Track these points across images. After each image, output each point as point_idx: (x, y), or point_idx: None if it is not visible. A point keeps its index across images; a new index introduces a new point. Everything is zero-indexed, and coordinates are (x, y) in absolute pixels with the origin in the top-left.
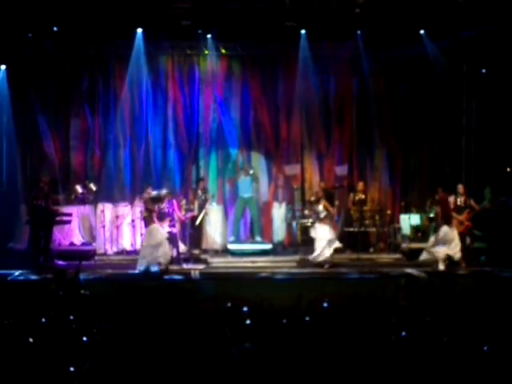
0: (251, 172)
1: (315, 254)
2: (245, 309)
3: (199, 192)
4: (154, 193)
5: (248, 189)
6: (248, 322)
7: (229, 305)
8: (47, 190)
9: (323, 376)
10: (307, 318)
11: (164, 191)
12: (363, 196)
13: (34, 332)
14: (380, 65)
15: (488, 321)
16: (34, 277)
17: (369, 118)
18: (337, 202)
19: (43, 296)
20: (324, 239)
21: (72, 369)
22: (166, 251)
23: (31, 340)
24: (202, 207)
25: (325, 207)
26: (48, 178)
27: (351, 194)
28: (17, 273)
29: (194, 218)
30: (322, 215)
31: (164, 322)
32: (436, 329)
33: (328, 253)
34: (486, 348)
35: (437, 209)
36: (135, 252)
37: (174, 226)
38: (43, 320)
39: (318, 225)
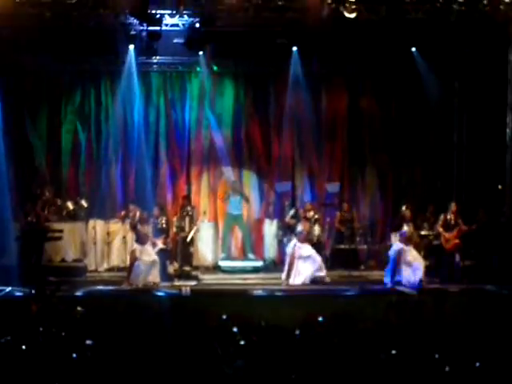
0: (241, 191)
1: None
2: (235, 329)
3: (184, 210)
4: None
5: (237, 207)
6: (241, 341)
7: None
8: (45, 204)
9: None
10: (297, 332)
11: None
12: (348, 216)
13: (21, 348)
14: (371, 82)
15: (479, 337)
16: (23, 294)
17: (360, 135)
18: (328, 220)
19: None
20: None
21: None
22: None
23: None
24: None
25: (304, 227)
26: (51, 193)
27: (338, 213)
28: (7, 289)
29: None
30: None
31: (154, 338)
32: (427, 346)
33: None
34: (477, 364)
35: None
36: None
37: (167, 243)
38: (31, 336)
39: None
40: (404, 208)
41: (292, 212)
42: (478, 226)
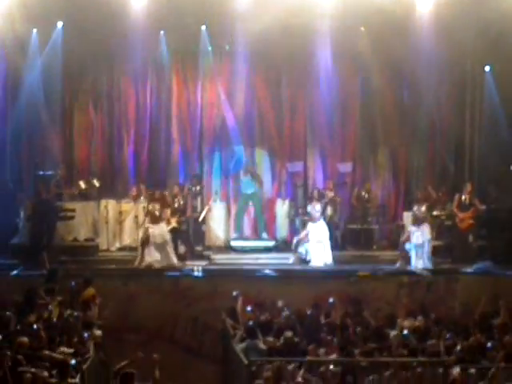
0: (253, 171)
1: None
2: (248, 308)
3: (193, 189)
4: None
5: (250, 186)
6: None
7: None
8: (57, 184)
9: None
10: (308, 312)
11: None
12: (367, 195)
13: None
14: (384, 62)
15: (491, 317)
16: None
17: (372, 115)
18: (339, 200)
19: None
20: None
21: (73, 362)
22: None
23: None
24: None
25: (316, 207)
26: (63, 173)
27: (355, 190)
28: (19, 268)
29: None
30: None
31: (166, 318)
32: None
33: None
34: (489, 345)
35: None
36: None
37: (181, 222)
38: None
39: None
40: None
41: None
42: (494, 206)
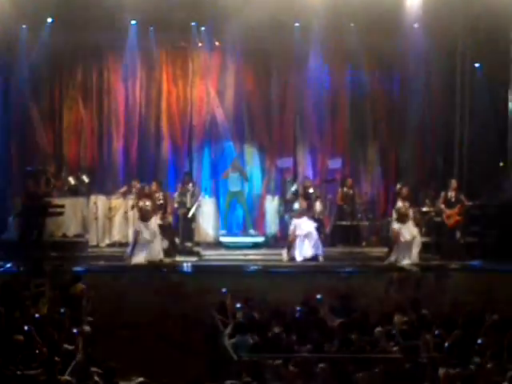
0: (241, 168)
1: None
2: (238, 305)
3: (186, 186)
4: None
5: (236, 183)
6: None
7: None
8: (48, 180)
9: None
10: (298, 308)
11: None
12: (351, 191)
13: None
14: (374, 58)
15: (480, 314)
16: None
17: (362, 111)
18: (329, 196)
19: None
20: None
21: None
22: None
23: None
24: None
25: (302, 204)
26: (53, 169)
27: (339, 190)
28: (8, 265)
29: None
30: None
31: (156, 314)
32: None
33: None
34: (479, 341)
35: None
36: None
37: (166, 218)
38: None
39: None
40: (399, 185)
41: (293, 189)
42: (484, 203)
